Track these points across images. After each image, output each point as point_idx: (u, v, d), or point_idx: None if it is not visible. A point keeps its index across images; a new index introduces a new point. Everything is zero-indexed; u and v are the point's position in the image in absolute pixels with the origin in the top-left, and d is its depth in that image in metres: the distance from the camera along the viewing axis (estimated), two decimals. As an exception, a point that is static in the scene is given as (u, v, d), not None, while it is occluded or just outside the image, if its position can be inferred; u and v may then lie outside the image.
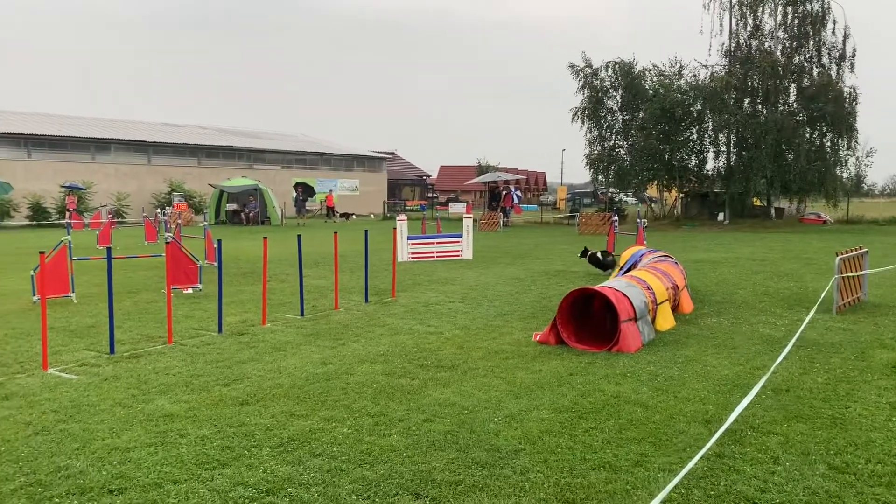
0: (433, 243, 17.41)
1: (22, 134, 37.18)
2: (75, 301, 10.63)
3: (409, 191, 71.77)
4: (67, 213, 33.67)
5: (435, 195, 71.21)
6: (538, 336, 8.02)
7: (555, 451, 4.67)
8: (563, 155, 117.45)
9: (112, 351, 7.33)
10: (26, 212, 34.28)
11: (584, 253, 14.52)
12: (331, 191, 44.72)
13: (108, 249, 7.66)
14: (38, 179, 36.24)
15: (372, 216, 44.18)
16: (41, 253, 7.94)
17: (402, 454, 4.59)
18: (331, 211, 40.75)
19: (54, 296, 10.20)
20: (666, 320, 8.63)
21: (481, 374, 6.52)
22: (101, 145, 40.11)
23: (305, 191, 39.98)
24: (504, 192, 36.09)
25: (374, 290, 11.43)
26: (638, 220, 19.65)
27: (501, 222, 31.25)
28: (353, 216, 41.87)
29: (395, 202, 53.36)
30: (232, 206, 36.54)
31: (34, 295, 10.58)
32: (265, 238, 9.72)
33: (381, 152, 59.20)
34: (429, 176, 78.82)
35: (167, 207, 34.94)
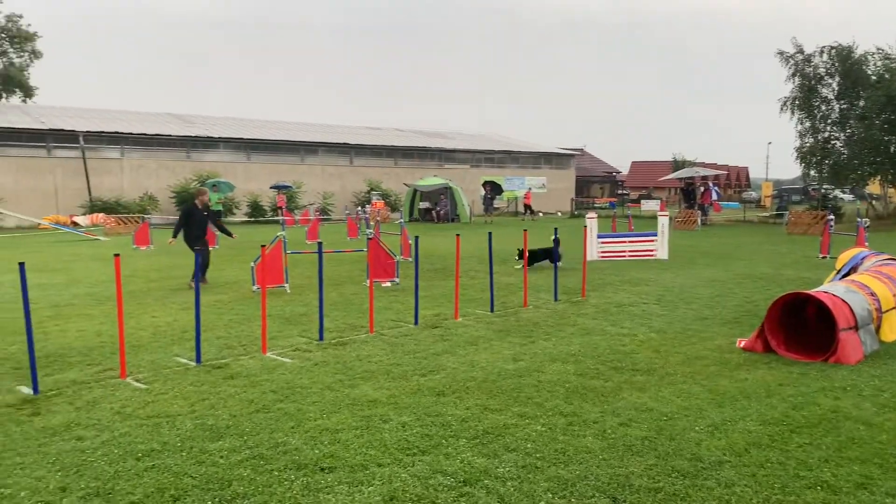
0: (625, 242, 16.94)
1: (243, 139, 41.12)
2: (288, 291, 11.55)
3: (598, 188, 70.41)
4: (279, 211, 36.81)
5: (626, 192, 69.27)
6: (743, 343, 7.52)
7: (763, 465, 4.35)
8: (768, 149, 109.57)
9: (321, 338, 7.89)
10: (245, 209, 37.89)
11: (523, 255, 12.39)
12: (530, 189, 45.01)
13: (320, 244, 8.25)
14: (255, 180, 39.89)
15: (559, 214, 43.86)
16: (262, 247, 8.73)
17: (598, 456, 4.50)
18: (528, 209, 41.06)
19: (271, 286, 11.17)
20: (892, 330, 7.75)
21: (680, 381, 6.24)
22: (309, 148, 43.34)
23: (493, 189, 40.54)
24: (702, 189, 34.28)
25: (564, 289, 11.34)
26: (858, 220, 17.81)
27: (699, 221, 29.71)
28: (540, 214, 41.84)
29: (583, 200, 52.61)
30: (424, 205, 37.94)
31: (254, 284, 11.65)
32: (458, 235, 9.98)
33: (569, 149, 58.64)
34: (619, 172, 76.82)
35: (366, 206, 37.05)
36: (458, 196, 36.66)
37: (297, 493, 3.95)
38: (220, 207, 34.94)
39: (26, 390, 5.94)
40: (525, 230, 10.58)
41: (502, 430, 4.97)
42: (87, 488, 4.00)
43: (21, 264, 5.93)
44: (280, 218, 35.26)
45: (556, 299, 10.62)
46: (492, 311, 9.64)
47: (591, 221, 16.25)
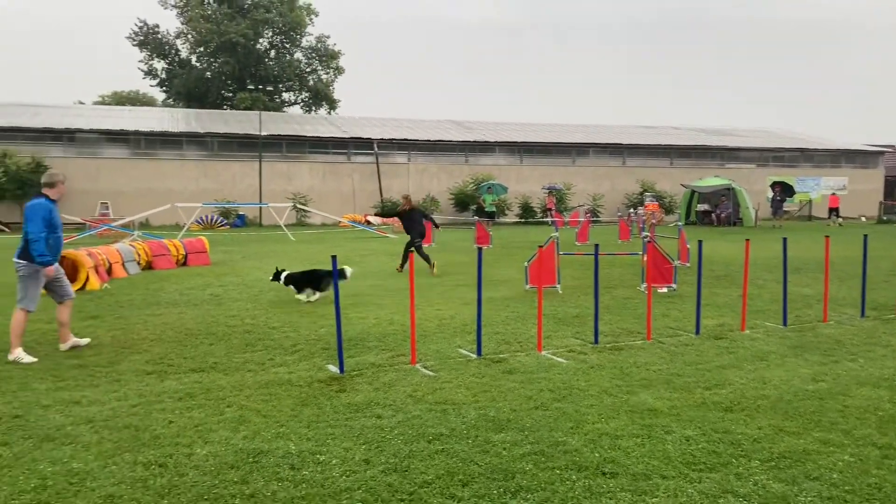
0: (951, 253, 14.47)
1: (516, 142, 42.42)
2: (560, 292, 11.64)
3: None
4: (549, 212, 37.35)
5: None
6: None
7: None
8: None
9: (596, 341, 7.82)
10: (517, 210, 39.04)
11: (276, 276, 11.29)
12: (834, 192, 40.74)
13: (596, 246, 8.19)
14: (526, 182, 40.94)
15: (863, 219, 38.87)
16: (539, 247, 8.89)
17: (925, 500, 3.88)
18: (834, 213, 37.18)
19: (544, 286, 11.34)
20: None
21: None
22: (581, 149, 43.40)
23: (783, 190, 37.13)
24: None
25: (873, 305, 9.99)
26: None
27: None
28: (840, 219, 37.43)
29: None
30: (703, 207, 35.99)
31: (526, 283, 11.92)
32: (747, 240, 9.28)
33: (876, 146, 51.68)
34: (939, 172, 65.94)
35: (639, 207, 36.11)
36: (741, 197, 34.22)
37: (579, 494, 3.94)
38: (494, 209, 36.43)
39: (333, 369, 6.67)
40: (827, 236, 9.52)
41: (802, 455, 4.50)
42: (386, 463, 4.37)
43: (333, 257, 6.68)
44: (549, 219, 35.79)
45: (862, 315, 9.40)
46: (784, 324, 8.81)
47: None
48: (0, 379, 6.34)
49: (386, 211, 15.34)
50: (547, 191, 38.73)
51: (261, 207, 34.77)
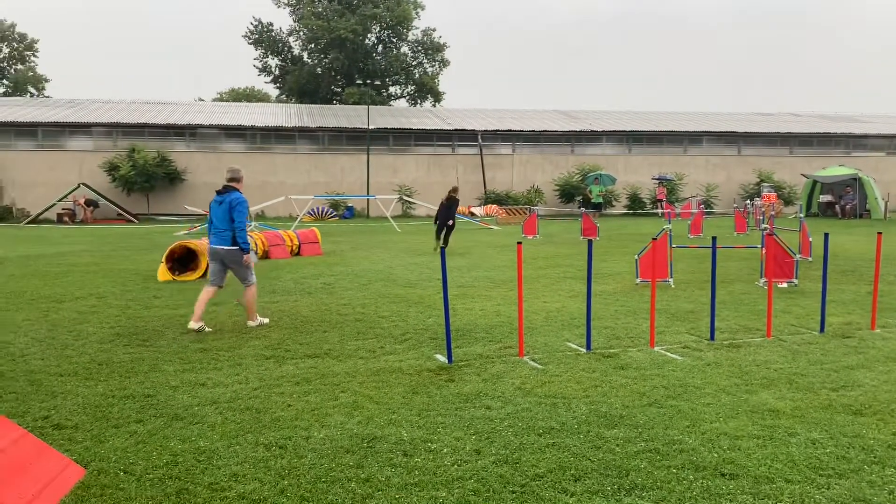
0: None
1: (624, 131, 41.39)
2: (672, 286, 11.29)
3: None
4: (659, 204, 36.26)
5: None
6: None
7: None
8: None
9: (712, 338, 7.53)
10: (625, 201, 38.13)
11: None
12: None
13: (714, 239, 7.87)
14: (635, 172, 39.91)
15: None
16: (653, 240, 8.65)
17: None
18: None
19: (654, 279, 11.02)
20: None
21: None
22: (693, 138, 41.85)
23: (917, 180, 34.51)
24: None
25: None
26: None
27: None
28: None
29: None
30: (826, 198, 33.95)
31: (637, 277, 11.63)
32: (879, 233, 8.68)
33: None
34: None
35: (755, 198, 34.47)
36: (868, 188, 32.04)
37: (696, 495, 3.81)
38: (601, 200, 35.74)
39: (442, 359, 6.75)
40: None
41: (945, 466, 4.18)
42: (497, 454, 4.39)
43: (442, 249, 6.75)
44: (659, 211, 34.75)
45: None
46: (920, 323, 8.19)
47: None
48: (132, 361, 6.80)
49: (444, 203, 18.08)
50: (657, 181, 37.59)
51: (368, 199, 35.60)
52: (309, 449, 4.52)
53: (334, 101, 60.09)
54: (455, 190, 18.26)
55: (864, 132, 43.36)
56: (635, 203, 37.96)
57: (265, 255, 16.04)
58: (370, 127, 38.14)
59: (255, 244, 15.96)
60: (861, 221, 29.59)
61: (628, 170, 40.02)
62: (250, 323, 8.48)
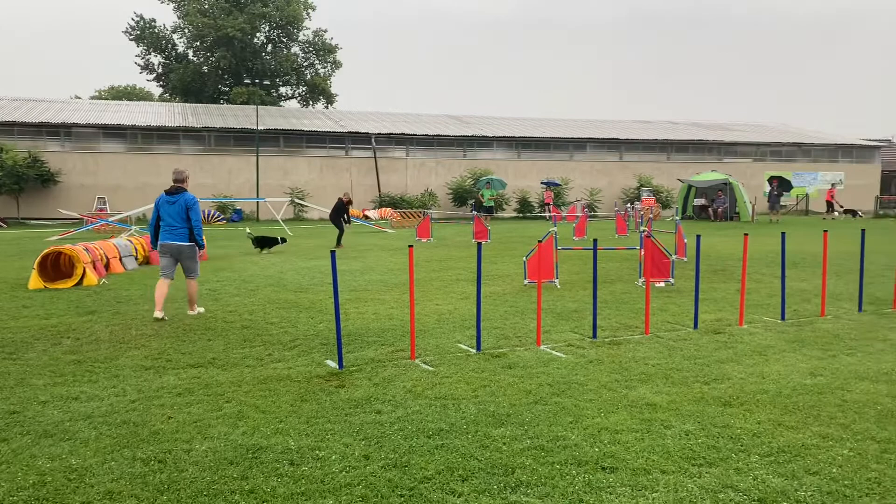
0: (948, 247, 14.50)
1: (514, 137, 42.39)
2: (558, 287, 11.64)
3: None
4: (547, 207, 37.35)
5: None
6: None
7: None
8: None
9: (594, 336, 7.82)
10: (515, 205, 39.05)
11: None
12: (833, 185, 40.79)
13: (595, 241, 8.19)
14: (524, 177, 40.96)
15: (860, 214, 38.91)
16: (538, 242, 8.89)
17: (924, 494, 3.89)
18: (830, 206, 37.46)
19: (542, 280, 11.34)
20: None
21: None
22: (578, 144, 43.39)
23: (781, 185, 37.15)
24: None
25: (870, 299, 10.01)
26: None
27: None
28: (836, 213, 37.44)
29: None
30: (699, 201, 36.00)
31: (525, 278, 11.92)
32: (746, 235, 9.28)
33: (873, 140, 51.74)
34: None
35: (636, 202, 36.12)
36: (738, 192, 34.24)
37: (579, 490, 3.94)
38: (492, 203, 36.42)
39: (332, 364, 6.66)
40: (825, 231, 9.52)
41: (801, 450, 4.51)
42: (386, 459, 4.37)
43: (332, 252, 6.67)
44: (547, 214, 35.79)
45: (860, 309, 9.42)
46: (783, 318, 8.82)
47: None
48: (-2, 375, 6.33)
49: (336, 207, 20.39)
50: (545, 186, 38.71)
51: (258, 202, 34.74)
52: (190, 462, 4.34)
53: (221, 101, 58.22)
54: (345, 195, 20.75)
55: (734, 140, 46.35)
56: (525, 207, 38.96)
57: (146, 261, 15.32)
58: (260, 128, 37.22)
59: (135, 249, 15.22)
60: (731, 224, 31.56)
61: (518, 175, 41.00)
62: (190, 312, 9.26)
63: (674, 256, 12.30)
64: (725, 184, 34.50)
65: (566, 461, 4.33)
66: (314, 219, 34.94)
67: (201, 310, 9.42)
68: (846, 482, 4.04)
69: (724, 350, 7.25)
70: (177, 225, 9.06)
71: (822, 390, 5.82)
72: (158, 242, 9.23)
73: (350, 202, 21.13)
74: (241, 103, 52.05)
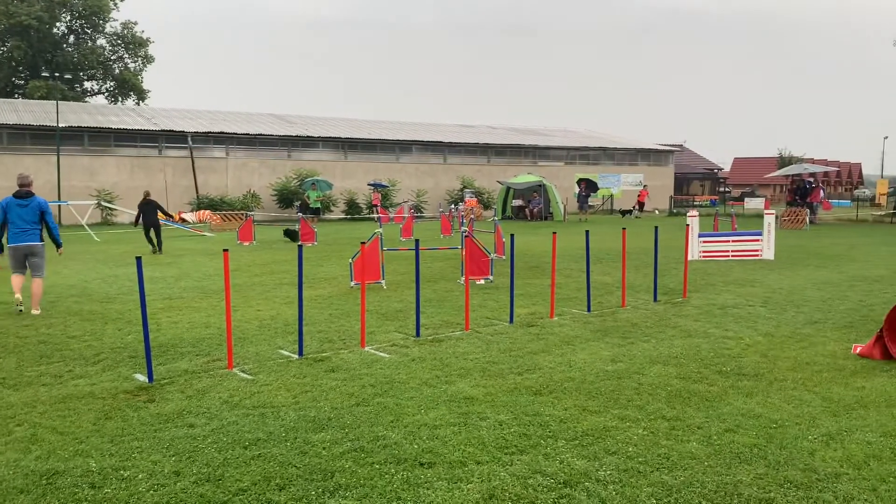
0: (728, 241, 16.31)
1: (340, 138, 42.12)
2: (385, 287, 11.74)
3: (699, 185, 68.12)
4: (374, 209, 37.50)
5: (727, 190, 66.73)
6: (859, 349, 7.09)
7: (885, 479, 4.09)
8: (884, 143, 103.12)
9: (418, 334, 7.97)
10: (343, 206, 38.81)
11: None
12: (645, 186, 44.24)
13: (417, 241, 8.34)
14: (352, 178, 40.81)
15: (657, 212, 42.70)
16: (362, 244, 8.90)
17: (704, 463, 4.34)
18: (641, 206, 40.94)
19: (368, 282, 11.37)
20: None
21: (790, 387, 5.94)
22: (404, 147, 43.93)
23: (588, 186, 39.91)
24: (812, 186, 32.60)
25: (664, 290, 11.02)
26: None
27: (808, 219, 28.25)
28: (636, 211, 40.88)
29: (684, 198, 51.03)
30: (518, 202, 37.77)
31: (352, 280, 11.90)
32: (555, 233, 9.87)
33: (667, 145, 57.01)
34: (720, 169, 74.08)
35: (459, 203, 37.21)
36: (551, 193, 36.30)
37: (397, 487, 3.99)
38: (319, 205, 35.94)
39: (142, 378, 6.27)
40: (624, 229, 10.36)
41: (602, 432, 4.87)
42: (198, 474, 4.18)
43: (138, 259, 6.27)
44: (375, 215, 35.95)
45: (655, 300, 10.34)
46: (588, 310, 9.48)
47: (693, 220, 15.73)
48: None
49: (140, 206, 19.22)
50: (372, 187, 38.81)
51: (60, 205, 31.85)
52: (-29, 496, 3.90)
53: (16, 95, 52.73)
54: (147, 193, 19.66)
55: (548, 144, 49.10)
56: (352, 208, 38.83)
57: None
58: (61, 125, 34.15)
59: None
60: (546, 223, 33.42)
61: (345, 175, 40.77)
62: (35, 311, 9.38)
63: (493, 255, 12.81)
64: (540, 185, 36.45)
65: (385, 460, 4.37)
66: (124, 222, 32.61)
67: (35, 311, 9.48)
68: (640, 459, 4.41)
69: (536, 342, 7.66)
70: (28, 227, 9.69)
71: (622, 375, 6.32)
72: (9, 244, 9.69)
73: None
74: (40, 98, 47.45)
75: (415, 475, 4.16)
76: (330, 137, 41.83)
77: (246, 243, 21.29)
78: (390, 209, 37.89)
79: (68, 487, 4.00)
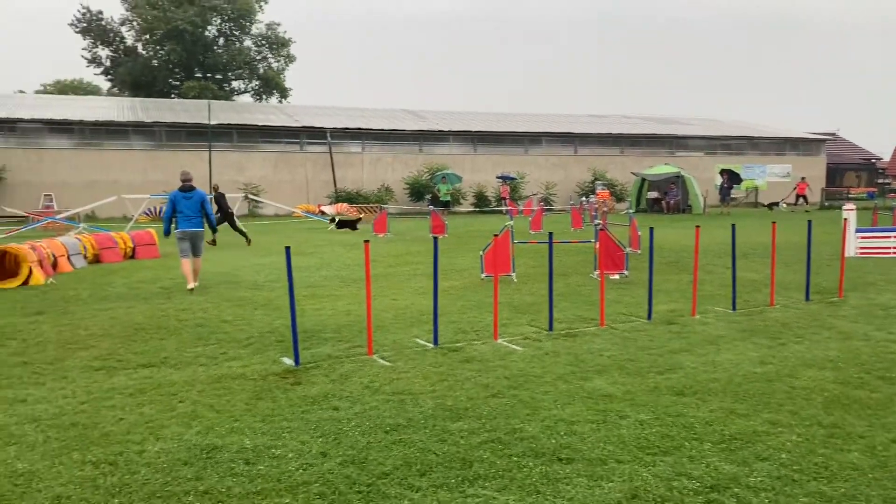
0: (890, 237, 15.01)
1: (470, 132, 42.45)
2: (515, 280, 11.71)
3: (854, 176, 63.10)
4: (503, 201, 37.52)
5: (887, 181, 61.50)
6: None
7: None
8: None
9: (551, 328, 7.89)
10: (472, 199, 39.12)
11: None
12: (803, 178, 41.61)
13: (550, 234, 8.25)
14: (480, 171, 41.04)
15: (801, 205, 39.97)
16: (494, 236, 8.92)
17: (867, 475, 4.02)
18: (803, 199, 38.26)
19: (499, 274, 11.39)
20: None
21: (969, 397, 5.38)
22: (533, 138, 43.66)
23: (731, 178, 37.99)
24: None
25: (816, 288, 10.30)
26: None
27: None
28: (783, 205, 38.45)
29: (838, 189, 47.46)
30: (653, 194, 36.57)
31: (482, 272, 11.96)
32: (697, 227, 9.46)
33: (819, 134, 53.23)
34: (879, 159, 68.32)
35: (591, 196, 36.53)
36: (690, 185, 34.87)
37: (536, 481, 3.96)
38: (448, 198, 36.44)
39: (288, 361, 6.59)
40: (774, 222, 9.76)
41: (752, 437, 4.62)
42: (344, 455, 4.34)
43: (287, 248, 6.59)
44: (504, 208, 35.97)
45: (807, 299, 9.68)
46: (733, 308, 9.02)
47: (850, 214, 14.60)
48: (-62, 379, 6.10)
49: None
50: (501, 180, 38.87)
51: (212, 198, 34.13)
52: (142, 464, 4.25)
53: (172, 95, 56.98)
54: (216, 187, 21.32)
55: (686, 134, 47.18)
56: (481, 201, 39.06)
57: (95, 260, 14.94)
58: (212, 122, 36.56)
59: (84, 248, 14.83)
60: (684, 216, 32.15)
61: (474, 169, 41.07)
62: (190, 285, 10.97)
63: (628, 249, 12.47)
64: (678, 177, 35.11)
65: (523, 453, 4.35)
66: (269, 215, 34.50)
67: (196, 284, 11.08)
68: (795, 467, 4.14)
69: (677, 340, 7.38)
70: (193, 216, 11.26)
71: (772, 378, 5.96)
72: (178, 230, 11.18)
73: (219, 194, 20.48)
74: (193, 98, 51.02)
75: (553, 470, 4.11)
76: (460, 131, 42.27)
77: (381, 235, 21.92)
78: (519, 202, 37.78)
79: (226, 462, 4.27)
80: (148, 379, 6.08)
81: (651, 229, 9.20)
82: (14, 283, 11.56)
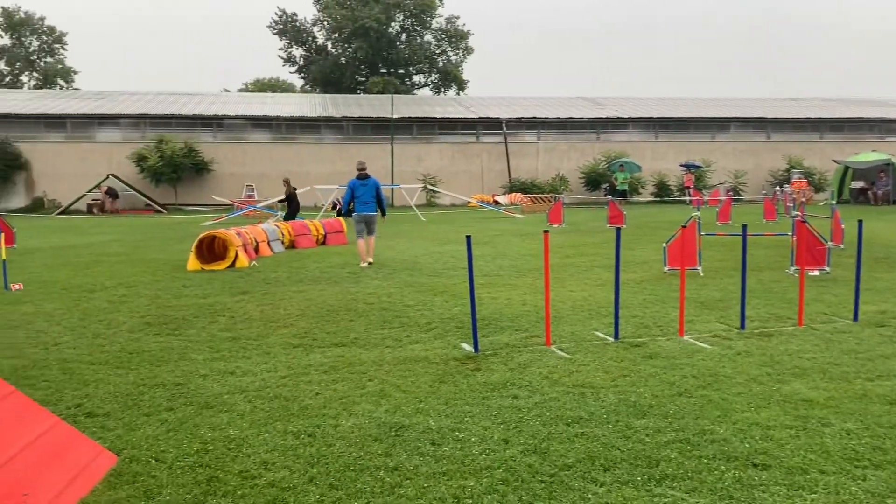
0: None
1: (651, 118, 40.94)
2: (701, 274, 11.15)
3: None
4: (686, 191, 35.82)
5: None
6: None
7: None
8: None
9: (742, 326, 7.42)
10: (651, 189, 37.74)
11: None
12: None
13: (744, 226, 7.75)
14: (662, 159, 39.47)
15: None
16: (682, 227, 8.54)
17: None
18: None
19: (683, 268, 10.88)
20: None
21: None
22: (721, 124, 41.28)
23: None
24: None
25: None
26: None
27: None
28: None
29: None
30: (858, 184, 33.28)
31: (665, 265, 11.51)
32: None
33: None
34: None
35: (785, 185, 33.93)
36: (904, 174, 31.33)
37: (728, 486, 3.75)
38: (626, 187, 35.40)
39: (468, 348, 6.73)
40: None
41: None
42: (525, 444, 4.36)
43: (468, 237, 6.71)
44: (687, 198, 34.35)
45: None
46: (958, 311, 8.00)
47: None
48: (162, 350, 6.88)
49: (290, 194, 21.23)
50: (684, 168, 37.12)
51: (392, 189, 35.65)
52: (337, 437, 4.53)
53: (358, 91, 60.13)
54: (288, 181, 22.16)
55: (898, 117, 42.43)
56: (662, 190, 37.58)
57: (291, 245, 16.14)
58: (394, 116, 38.12)
59: (282, 234, 16.05)
60: (894, 208, 28.98)
61: (655, 157, 39.59)
62: (363, 264, 12.56)
63: (829, 243, 11.46)
64: (888, 164, 31.68)
65: (714, 456, 4.14)
66: (445, 204, 35.43)
67: (371, 260, 12.73)
68: None
69: (889, 344, 6.67)
70: (369, 200, 12.89)
71: None
72: (355, 213, 12.88)
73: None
74: (377, 93, 53.48)
75: (748, 475, 3.87)
76: (640, 118, 40.94)
77: (556, 225, 21.76)
78: (704, 192, 35.89)
79: (413, 441, 4.44)
80: (340, 357, 6.47)
81: (860, 222, 8.37)
82: (223, 265, 12.76)
